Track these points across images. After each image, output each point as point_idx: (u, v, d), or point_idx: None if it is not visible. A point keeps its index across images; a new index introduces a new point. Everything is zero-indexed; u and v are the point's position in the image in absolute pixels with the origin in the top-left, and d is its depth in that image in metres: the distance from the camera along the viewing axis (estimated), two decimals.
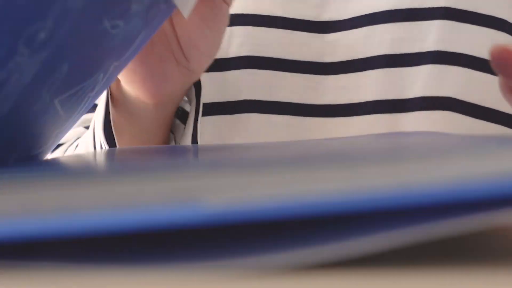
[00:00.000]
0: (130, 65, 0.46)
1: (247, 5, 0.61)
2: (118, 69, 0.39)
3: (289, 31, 0.61)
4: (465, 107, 0.57)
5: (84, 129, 0.63)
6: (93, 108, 0.58)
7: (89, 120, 0.62)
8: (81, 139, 0.60)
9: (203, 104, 0.62)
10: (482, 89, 0.57)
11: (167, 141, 0.56)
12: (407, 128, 0.57)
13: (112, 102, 0.52)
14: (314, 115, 0.61)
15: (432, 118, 0.57)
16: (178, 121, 0.57)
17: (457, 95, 0.57)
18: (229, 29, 0.61)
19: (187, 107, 0.58)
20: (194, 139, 0.54)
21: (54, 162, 0.34)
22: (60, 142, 0.63)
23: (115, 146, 0.51)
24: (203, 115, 0.62)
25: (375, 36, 0.59)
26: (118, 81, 0.51)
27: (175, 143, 0.56)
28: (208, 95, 0.62)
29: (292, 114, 0.61)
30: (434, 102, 0.57)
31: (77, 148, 0.60)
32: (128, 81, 0.49)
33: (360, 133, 0.59)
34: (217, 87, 0.61)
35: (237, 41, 0.61)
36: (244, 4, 0.61)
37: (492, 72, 0.57)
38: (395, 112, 0.58)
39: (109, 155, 0.34)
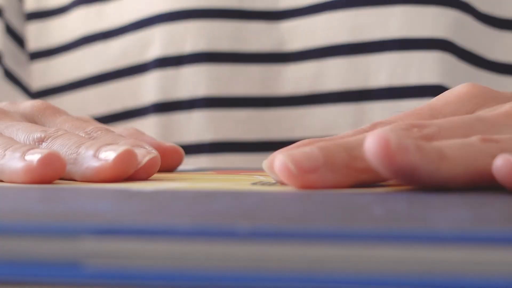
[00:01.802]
0: None
1: None
2: None
3: (244, 22, 0.59)
4: (435, 94, 0.56)
5: None
6: None
7: None
8: None
9: (159, 104, 0.60)
10: (452, 73, 0.56)
11: None
12: (373, 118, 0.56)
13: None
14: (275, 107, 0.59)
15: (400, 107, 0.56)
16: None
17: (424, 82, 0.56)
18: (183, 25, 0.59)
19: None
20: None
21: None
22: None
23: None
24: (159, 112, 0.60)
25: (335, 22, 0.57)
26: None
27: None
28: (163, 93, 0.60)
29: (252, 107, 0.59)
30: (401, 90, 0.56)
31: None
32: None
33: (325, 124, 0.58)
34: (172, 84, 0.60)
35: (192, 37, 0.59)
36: None
37: (459, 55, 0.56)
38: (360, 102, 0.57)
39: None
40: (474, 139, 0.29)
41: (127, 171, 0.34)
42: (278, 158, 0.28)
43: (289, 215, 0.21)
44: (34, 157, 0.33)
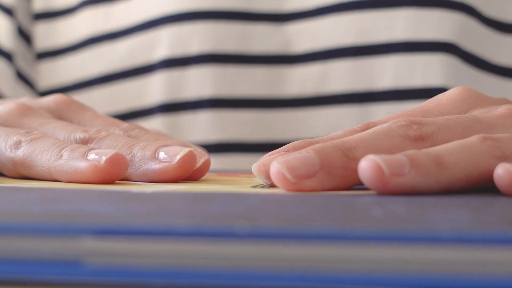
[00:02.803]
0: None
1: (208, 0, 0.59)
2: None
3: (250, 24, 0.59)
4: None
5: None
6: None
7: None
8: None
9: (165, 104, 0.60)
10: (456, 76, 0.56)
11: None
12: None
13: None
14: (281, 108, 0.59)
15: (404, 109, 0.56)
16: None
17: (428, 85, 0.56)
18: (190, 26, 0.59)
19: None
20: None
21: None
22: None
23: None
24: (165, 113, 0.60)
25: (340, 25, 0.57)
26: None
27: None
28: (170, 94, 0.60)
29: (258, 109, 0.59)
30: (405, 93, 0.56)
31: None
32: None
33: (330, 125, 0.58)
34: (178, 85, 0.60)
35: (199, 38, 0.59)
36: (204, 0, 0.59)
37: (463, 58, 0.56)
38: (365, 104, 0.57)
39: None
40: (474, 138, 0.29)
41: (189, 172, 0.34)
42: (273, 165, 0.28)
43: (288, 216, 0.22)
44: (98, 157, 0.33)
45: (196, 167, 0.35)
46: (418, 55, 0.56)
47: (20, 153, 0.36)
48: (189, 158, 0.34)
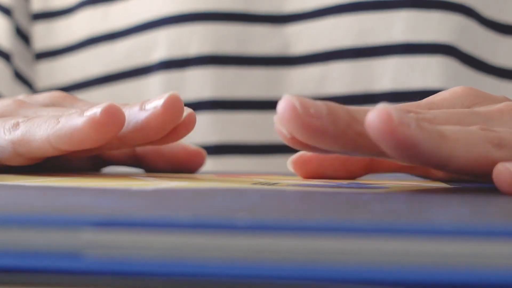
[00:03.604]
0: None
1: (207, 2, 0.59)
2: None
3: (249, 25, 0.59)
4: None
5: None
6: None
7: None
8: None
9: None
10: (455, 78, 0.56)
11: None
12: None
13: None
14: None
15: None
16: None
17: (427, 86, 0.56)
18: (189, 27, 0.59)
19: None
20: None
21: None
22: None
23: None
24: None
25: (340, 27, 0.57)
26: None
27: None
28: None
29: (257, 110, 0.59)
30: (404, 94, 0.56)
31: None
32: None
33: None
34: (177, 86, 0.60)
35: (197, 39, 0.59)
36: (204, 1, 0.59)
37: (462, 60, 0.56)
38: (364, 105, 0.57)
39: None
40: (474, 127, 0.29)
41: (176, 117, 0.35)
42: (285, 98, 0.28)
43: (288, 209, 0.22)
44: (94, 111, 0.33)
45: (182, 118, 0.35)
46: (417, 57, 0.56)
47: (19, 132, 0.36)
48: (173, 100, 0.34)
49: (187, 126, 0.36)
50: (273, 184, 0.33)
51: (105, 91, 0.63)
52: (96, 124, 0.33)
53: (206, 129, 0.59)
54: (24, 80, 0.66)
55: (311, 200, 0.25)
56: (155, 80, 0.60)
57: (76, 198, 0.25)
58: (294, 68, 0.59)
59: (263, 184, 0.33)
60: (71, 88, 0.65)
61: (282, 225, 0.18)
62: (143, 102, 0.35)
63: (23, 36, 0.67)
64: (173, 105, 0.34)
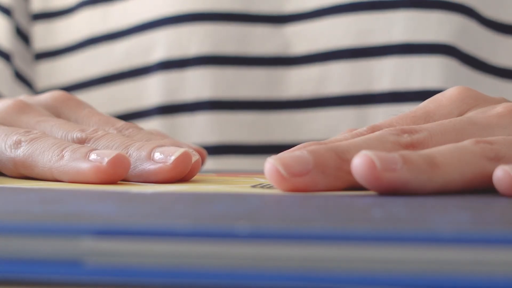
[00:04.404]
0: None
1: (207, 2, 0.59)
2: None
3: (249, 26, 0.59)
4: None
5: None
6: None
7: None
8: None
9: (163, 106, 0.61)
10: (454, 78, 0.56)
11: None
12: (376, 122, 0.56)
13: None
14: (279, 110, 0.59)
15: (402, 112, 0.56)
16: None
17: (426, 87, 0.56)
18: (188, 28, 0.59)
19: None
20: None
21: None
22: None
23: None
24: (163, 115, 0.60)
25: (339, 27, 0.57)
26: None
27: None
28: (167, 95, 0.60)
29: (256, 111, 0.59)
30: (404, 95, 0.56)
31: None
32: None
33: (328, 127, 0.58)
34: (176, 86, 0.60)
35: (197, 40, 0.59)
36: (203, 1, 0.59)
37: (462, 60, 0.56)
38: (364, 106, 0.57)
39: None
40: (467, 142, 0.29)
41: (184, 172, 0.34)
42: (268, 162, 0.28)
43: (288, 216, 0.22)
44: (100, 158, 0.33)
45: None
46: (417, 57, 0.56)
47: (20, 153, 0.36)
48: (184, 158, 0.34)
49: (192, 172, 0.36)
50: (272, 186, 0.33)
51: (104, 91, 0.63)
52: (100, 173, 0.33)
53: (206, 129, 0.59)
54: (24, 80, 0.66)
55: (311, 206, 0.25)
56: (155, 80, 0.60)
57: (76, 204, 0.25)
58: (294, 68, 0.59)
59: (263, 185, 0.33)
60: (71, 88, 0.65)
61: (282, 233, 0.18)
62: (152, 148, 0.34)
63: (23, 36, 0.67)
64: (183, 162, 0.34)
